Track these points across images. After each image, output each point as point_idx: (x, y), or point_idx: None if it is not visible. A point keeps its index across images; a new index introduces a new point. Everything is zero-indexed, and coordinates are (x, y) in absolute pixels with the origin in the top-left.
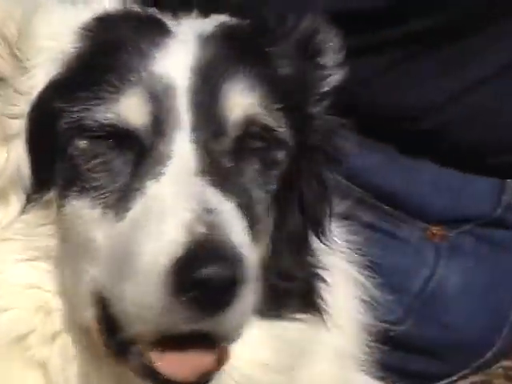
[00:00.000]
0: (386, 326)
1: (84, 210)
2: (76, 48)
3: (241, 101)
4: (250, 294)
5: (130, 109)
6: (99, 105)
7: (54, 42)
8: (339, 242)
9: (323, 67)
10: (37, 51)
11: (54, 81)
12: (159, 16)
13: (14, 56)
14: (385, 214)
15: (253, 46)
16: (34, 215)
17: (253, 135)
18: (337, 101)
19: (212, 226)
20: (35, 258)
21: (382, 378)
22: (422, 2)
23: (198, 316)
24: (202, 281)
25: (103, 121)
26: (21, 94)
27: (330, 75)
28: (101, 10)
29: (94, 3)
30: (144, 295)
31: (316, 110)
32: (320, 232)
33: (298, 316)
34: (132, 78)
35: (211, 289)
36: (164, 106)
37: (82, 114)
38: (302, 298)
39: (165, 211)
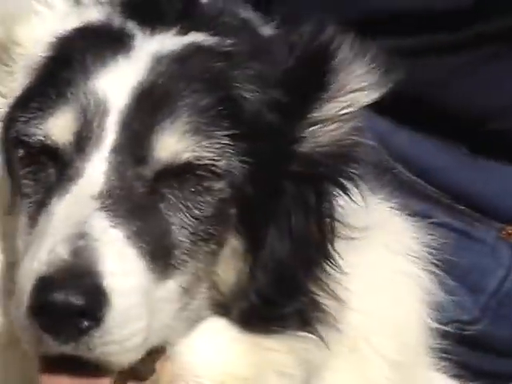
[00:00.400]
0: (462, 325)
1: (20, 214)
2: (42, 58)
3: (171, 142)
4: (123, 323)
5: (56, 127)
6: (35, 118)
7: (31, 49)
8: (415, 246)
9: (330, 85)
10: (19, 57)
11: (22, 90)
12: (130, 30)
13: (4, 59)
14: (460, 214)
15: (210, 71)
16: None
17: (180, 168)
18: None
19: (77, 252)
20: None
21: (458, 377)
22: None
23: (57, 340)
24: (50, 306)
25: (32, 137)
26: (4, 98)
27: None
28: (83, 20)
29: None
30: (15, 312)
31: (308, 134)
32: (321, 259)
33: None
34: (68, 94)
35: (59, 315)
36: (91, 125)
37: (22, 126)
38: (292, 317)
39: (46, 232)
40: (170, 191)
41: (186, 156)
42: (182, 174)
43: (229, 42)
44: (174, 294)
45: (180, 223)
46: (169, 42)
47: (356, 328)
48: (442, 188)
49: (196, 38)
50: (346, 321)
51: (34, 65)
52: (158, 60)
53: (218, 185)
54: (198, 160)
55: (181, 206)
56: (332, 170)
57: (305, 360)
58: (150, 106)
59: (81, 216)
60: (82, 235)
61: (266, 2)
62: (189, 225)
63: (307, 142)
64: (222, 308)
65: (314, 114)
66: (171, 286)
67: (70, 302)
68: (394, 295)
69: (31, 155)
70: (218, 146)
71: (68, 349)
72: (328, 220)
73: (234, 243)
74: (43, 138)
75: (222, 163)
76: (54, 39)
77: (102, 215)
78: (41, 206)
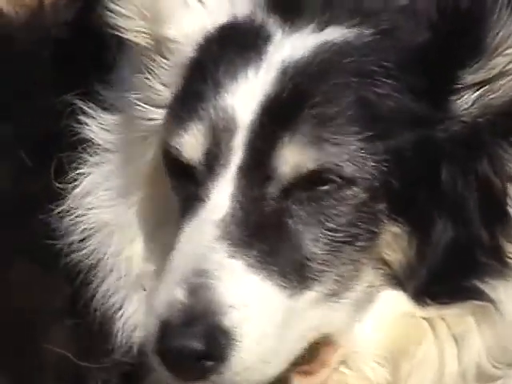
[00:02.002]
0: None
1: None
2: (189, 59)
3: (293, 155)
4: (250, 355)
5: (188, 145)
6: (176, 130)
7: (182, 46)
8: None
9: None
10: (171, 52)
11: (174, 92)
12: (269, 30)
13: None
14: None
15: (341, 73)
16: None
17: (305, 181)
18: None
19: (195, 292)
20: None
21: None
22: None
23: (184, 380)
24: (171, 351)
25: (172, 151)
26: (164, 87)
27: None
28: (225, 15)
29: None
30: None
31: (468, 101)
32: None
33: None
34: (200, 110)
35: (181, 359)
36: (219, 144)
37: (167, 135)
38: (466, 289)
39: (170, 262)
40: (298, 206)
41: (310, 167)
42: (307, 186)
43: (368, 32)
44: (318, 301)
45: (312, 236)
46: (302, 43)
47: None
48: None
49: (332, 34)
50: None
51: (184, 64)
52: (287, 69)
53: (349, 191)
54: (323, 169)
55: (311, 219)
56: (504, 129)
57: (476, 330)
58: (272, 121)
59: (199, 248)
60: (201, 273)
61: None
62: (323, 236)
63: (470, 110)
64: (395, 283)
65: (473, 77)
66: (312, 295)
67: (189, 347)
68: None
69: (174, 170)
70: (345, 152)
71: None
72: (503, 182)
73: (392, 229)
74: (178, 154)
75: (350, 169)
76: (201, 39)
77: (222, 245)
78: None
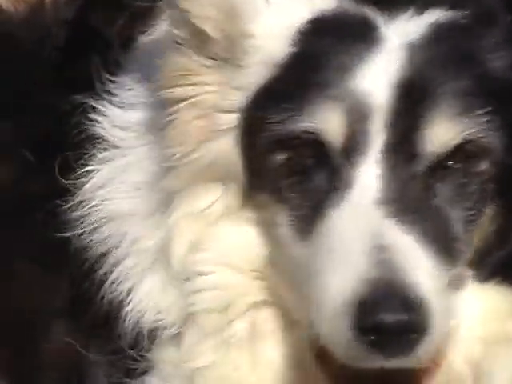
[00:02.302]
0: None
1: (283, 225)
2: (287, 54)
3: (440, 132)
4: (440, 326)
5: (327, 123)
6: (297, 116)
7: (268, 43)
8: None
9: None
10: (253, 50)
11: (265, 85)
12: (372, 18)
13: (234, 52)
14: None
15: (463, 48)
16: (249, 211)
17: (453, 156)
18: None
19: (388, 268)
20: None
21: None
22: None
23: (377, 357)
24: (380, 326)
25: (301, 131)
26: (236, 90)
27: None
28: (313, 8)
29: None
30: (324, 327)
31: None
32: None
33: None
34: (329, 95)
35: (389, 334)
36: (358, 127)
37: (280, 127)
38: None
39: (340, 246)
40: (441, 185)
41: (456, 142)
42: (451, 164)
43: (463, 13)
44: (454, 280)
45: (455, 216)
46: (412, 26)
47: None
48: None
49: (434, 16)
50: None
51: (275, 60)
52: (409, 49)
53: (484, 166)
54: (468, 143)
55: (453, 197)
56: None
57: None
58: (411, 101)
59: (371, 227)
60: (383, 248)
61: None
62: (462, 215)
63: None
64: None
65: None
66: (453, 274)
67: (398, 320)
68: None
69: (293, 163)
70: (480, 125)
71: (396, 362)
72: None
73: (487, 211)
74: (313, 131)
75: (486, 141)
76: (295, 33)
77: (392, 223)
78: (312, 217)
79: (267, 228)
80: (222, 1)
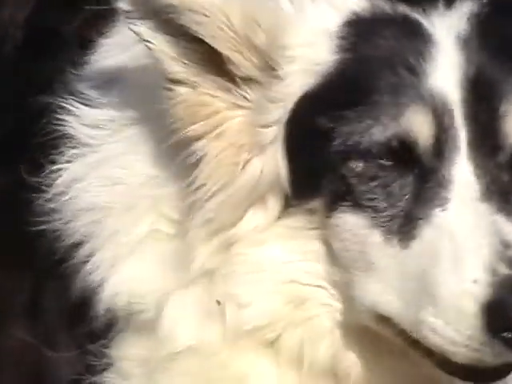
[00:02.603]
0: None
1: (359, 228)
2: (334, 60)
3: None
4: None
5: (416, 125)
6: (374, 126)
7: (307, 51)
8: None
9: None
10: (289, 60)
11: (313, 93)
12: (412, 15)
13: (266, 64)
14: None
15: (508, 35)
16: (295, 220)
17: None
18: None
19: None
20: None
21: None
22: None
23: (507, 352)
24: None
25: (385, 139)
26: (274, 103)
27: None
28: (347, 11)
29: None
30: (447, 330)
31: None
32: None
33: None
34: (409, 97)
35: None
36: (443, 125)
37: (356, 137)
38: None
39: (459, 245)
40: None
41: None
42: None
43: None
44: None
45: None
46: (453, 20)
47: None
48: None
49: (466, 7)
50: None
51: (318, 68)
52: (464, 43)
53: None
54: None
55: None
56: None
57: None
58: (484, 93)
59: (488, 225)
60: (508, 244)
61: None
62: None
63: None
64: None
65: None
66: None
67: None
68: None
69: (373, 167)
70: None
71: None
72: None
73: None
74: (403, 137)
75: None
76: (335, 38)
77: (503, 218)
78: (408, 219)
79: (322, 236)
80: (246, 17)
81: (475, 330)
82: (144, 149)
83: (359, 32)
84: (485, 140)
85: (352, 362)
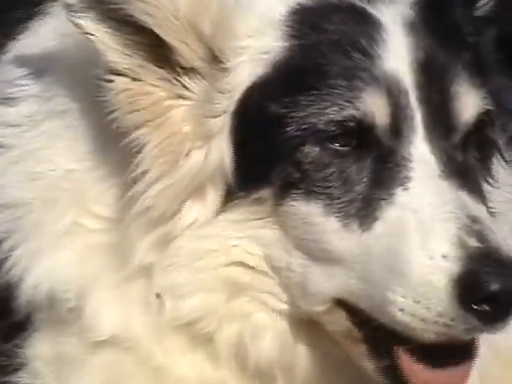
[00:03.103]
0: None
1: (313, 216)
2: (282, 47)
3: (471, 98)
4: None
5: (373, 107)
6: (330, 107)
7: (254, 41)
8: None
9: None
10: (237, 50)
11: (262, 81)
12: (356, 3)
13: (213, 55)
14: None
15: (452, 20)
16: (240, 213)
17: (478, 126)
18: None
19: (482, 238)
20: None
21: None
22: None
23: (482, 326)
24: (491, 296)
25: (342, 119)
26: (221, 93)
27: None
28: (292, 0)
29: None
30: (417, 308)
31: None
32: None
33: None
34: (364, 79)
35: (500, 302)
36: (399, 106)
37: (312, 120)
38: None
39: (425, 222)
40: (472, 155)
41: (479, 111)
42: (473, 135)
43: None
44: None
45: (482, 185)
46: (398, 7)
47: None
48: None
49: None
50: None
51: (266, 57)
52: (412, 28)
53: (491, 133)
54: (485, 113)
55: (479, 166)
56: None
57: None
58: (434, 76)
59: (452, 200)
60: (475, 219)
61: None
62: (483, 181)
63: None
64: None
65: None
66: None
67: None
68: None
69: (329, 153)
70: (485, 95)
71: (498, 329)
72: None
73: None
74: (359, 117)
75: (491, 109)
76: (282, 27)
77: (465, 194)
78: (368, 201)
79: (272, 225)
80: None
81: (447, 305)
82: (62, 143)
83: (306, 19)
84: (439, 121)
85: (299, 356)
